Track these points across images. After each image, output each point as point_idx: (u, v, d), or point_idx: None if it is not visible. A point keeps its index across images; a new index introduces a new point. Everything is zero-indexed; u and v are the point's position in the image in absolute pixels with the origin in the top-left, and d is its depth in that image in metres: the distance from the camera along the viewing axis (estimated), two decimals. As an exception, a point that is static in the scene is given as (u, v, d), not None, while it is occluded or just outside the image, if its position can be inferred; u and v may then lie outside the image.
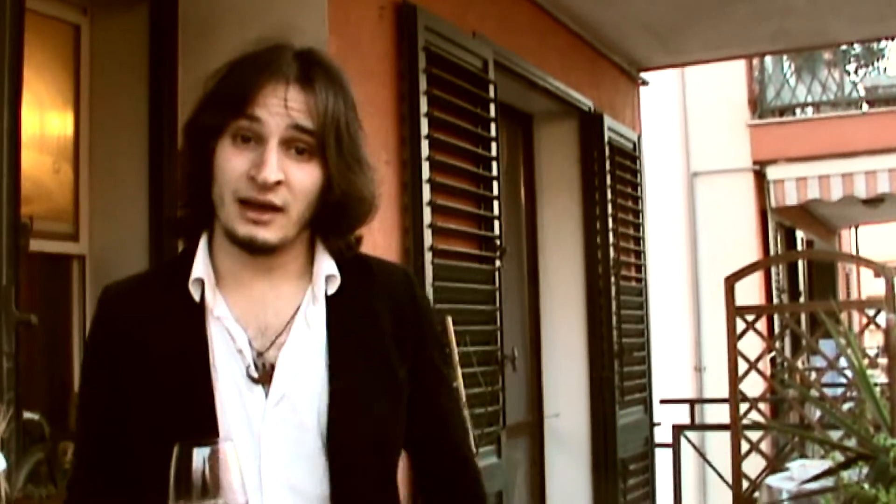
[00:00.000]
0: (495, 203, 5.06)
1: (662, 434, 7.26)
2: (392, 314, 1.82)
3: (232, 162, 1.68)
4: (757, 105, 12.63)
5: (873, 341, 13.88)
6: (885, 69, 13.30)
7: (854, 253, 16.28)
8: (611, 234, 6.50)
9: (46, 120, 4.09)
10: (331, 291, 1.79)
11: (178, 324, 1.73)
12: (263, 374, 1.71)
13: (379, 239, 4.15)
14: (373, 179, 1.80)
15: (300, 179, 1.69)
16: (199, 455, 1.46)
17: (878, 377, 5.45)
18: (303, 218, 1.73)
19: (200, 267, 1.75)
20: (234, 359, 1.72)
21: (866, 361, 4.85)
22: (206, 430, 1.65)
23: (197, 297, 1.74)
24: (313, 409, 1.72)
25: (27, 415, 3.25)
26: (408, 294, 1.87)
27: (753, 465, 5.72)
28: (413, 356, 1.83)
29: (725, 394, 5.78)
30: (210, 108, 1.72)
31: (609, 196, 6.53)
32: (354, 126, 1.76)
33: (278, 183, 1.66)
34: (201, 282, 1.75)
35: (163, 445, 1.49)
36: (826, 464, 4.07)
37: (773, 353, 6.15)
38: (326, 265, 1.79)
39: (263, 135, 1.67)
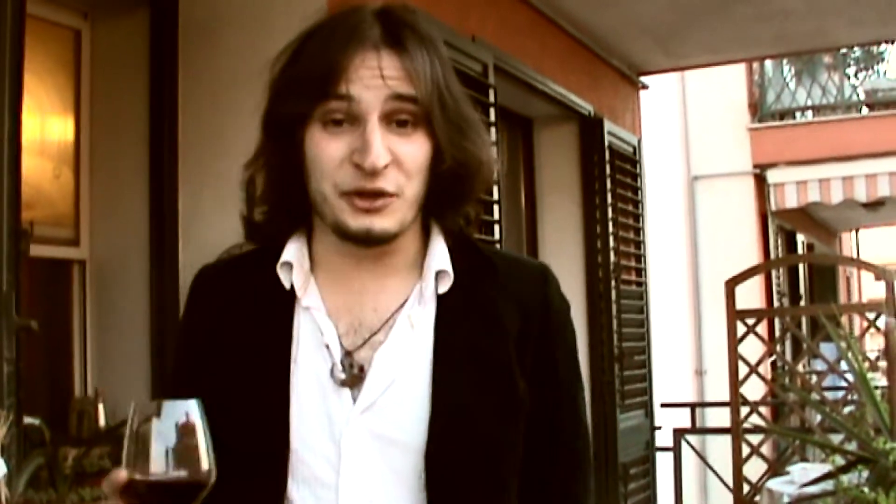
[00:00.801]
0: (495, 207, 5.06)
1: (663, 438, 7.26)
2: (520, 316, 1.56)
3: (328, 150, 1.46)
4: (757, 109, 12.64)
5: (874, 344, 13.88)
6: (884, 72, 13.32)
7: (854, 256, 16.29)
8: (611, 238, 6.50)
9: (47, 125, 4.09)
10: (442, 290, 1.54)
11: (262, 311, 1.55)
12: (351, 377, 1.49)
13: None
14: (485, 140, 1.58)
15: (412, 156, 1.47)
16: (159, 415, 1.28)
17: (879, 381, 5.44)
18: (420, 197, 1.51)
19: (291, 251, 1.54)
20: (321, 355, 1.51)
21: (867, 365, 4.86)
22: (276, 428, 1.47)
23: (287, 284, 1.54)
24: (410, 422, 1.47)
25: (28, 420, 3.25)
26: (540, 293, 1.61)
27: (754, 469, 5.72)
28: (534, 368, 1.56)
29: (726, 397, 5.79)
30: (292, 94, 1.49)
31: (609, 200, 6.52)
32: (454, 85, 1.55)
33: (386, 165, 1.45)
34: (290, 267, 1.54)
35: (229, 440, 1.37)
36: (826, 467, 4.08)
37: (773, 357, 6.16)
38: (438, 259, 1.55)
39: (360, 114, 1.45)
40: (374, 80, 1.45)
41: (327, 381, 1.49)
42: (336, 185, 1.46)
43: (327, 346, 1.50)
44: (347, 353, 1.51)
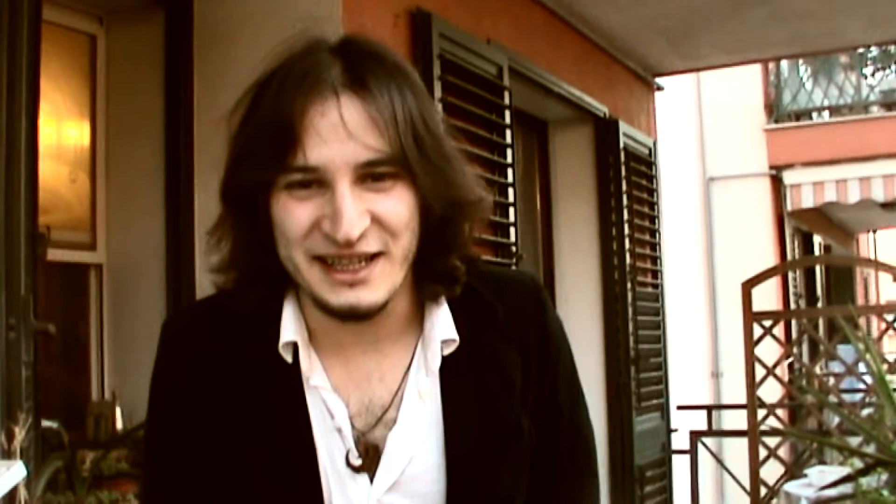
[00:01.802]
0: (511, 210, 5.06)
1: (680, 440, 7.24)
2: (521, 356, 1.47)
3: (295, 216, 1.30)
4: (773, 109, 12.62)
5: (892, 346, 13.83)
6: (901, 72, 13.28)
7: (872, 257, 16.24)
8: (627, 240, 6.49)
9: (63, 130, 4.10)
10: (447, 352, 1.42)
11: (272, 390, 1.41)
12: (367, 460, 1.39)
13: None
14: (471, 173, 1.42)
15: (394, 212, 1.31)
16: None
17: (897, 382, 5.42)
18: (410, 253, 1.35)
19: (290, 328, 1.40)
20: (333, 438, 1.40)
21: (885, 367, 4.83)
22: None
23: (289, 359, 1.40)
24: (428, 493, 1.41)
25: (45, 423, 3.26)
26: (537, 323, 1.50)
27: (771, 472, 5.71)
28: (535, 397, 1.48)
29: (743, 400, 5.77)
30: (248, 161, 1.33)
31: (625, 202, 6.51)
32: (431, 118, 1.36)
33: (365, 231, 1.29)
34: (293, 343, 1.40)
35: None
36: (845, 470, 4.07)
37: (790, 359, 6.14)
38: (441, 321, 1.42)
39: (327, 180, 1.28)
40: (338, 135, 1.28)
41: (342, 466, 1.40)
42: (307, 251, 1.31)
43: (339, 430, 1.40)
44: (362, 434, 1.41)
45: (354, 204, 1.28)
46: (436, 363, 1.41)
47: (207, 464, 1.42)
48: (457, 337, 1.42)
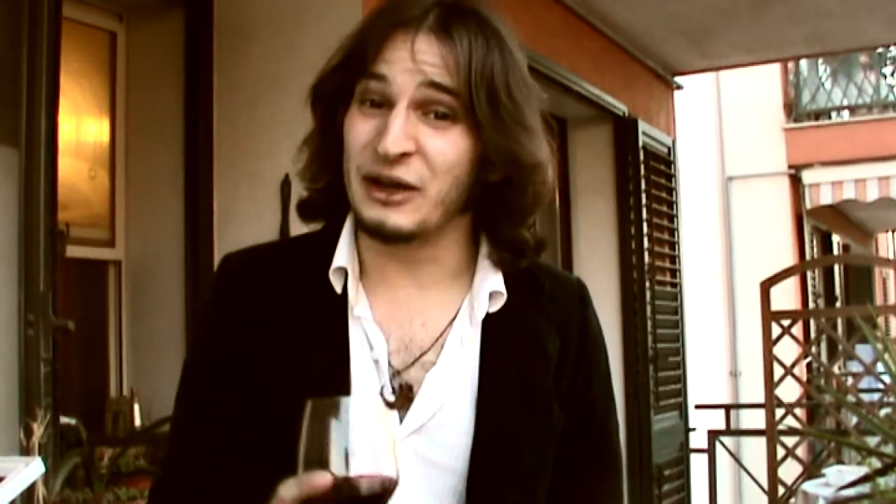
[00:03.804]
0: (529, 208, 5.05)
1: (698, 440, 7.22)
2: (560, 339, 1.50)
3: (356, 129, 1.37)
4: (792, 109, 12.57)
5: (911, 346, 13.72)
6: (921, 72, 13.21)
7: (891, 257, 16.16)
8: (645, 239, 6.48)
9: (83, 126, 4.12)
10: (493, 309, 1.45)
11: (316, 318, 1.43)
12: (400, 398, 1.41)
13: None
14: (544, 149, 1.44)
15: (440, 150, 1.35)
16: (342, 411, 1.17)
17: (916, 382, 5.40)
18: (448, 199, 1.38)
19: (344, 254, 1.44)
20: (369, 370, 1.42)
21: (904, 367, 4.81)
22: None
23: (338, 289, 1.43)
24: (454, 445, 1.41)
25: (64, 420, 3.28)
26: (579, 316, 1.55)
27: (789, 471, 5.69)
28: (568, 391, 1.50)
29: (761, 399, 5.75)
30: (334, 69, 1.41)
31: (644, 201, 6.50)
32: (517, 84, 1.40)
33: (407, 154, 1.34)
34: (343, 272, 1.43)
35: (282, 459, 1.25)
36: (863, 470, 4.05)
37: (809, 358, 6.12)
38: (491, 277, 1.46)
39: (391, 97, 1.35)
40: (407, 63, 1.34)
41: (375, 399, 1.38)
42: (358, 168, 1.37)
43: (376, 362, 1.41)
44: (397, 372, 1.42)
45: (404, 125, 1.33)
46: (481, 312, 1.44)
47: (242, 391, 1.43)
48: (504, 291, 1.45)
